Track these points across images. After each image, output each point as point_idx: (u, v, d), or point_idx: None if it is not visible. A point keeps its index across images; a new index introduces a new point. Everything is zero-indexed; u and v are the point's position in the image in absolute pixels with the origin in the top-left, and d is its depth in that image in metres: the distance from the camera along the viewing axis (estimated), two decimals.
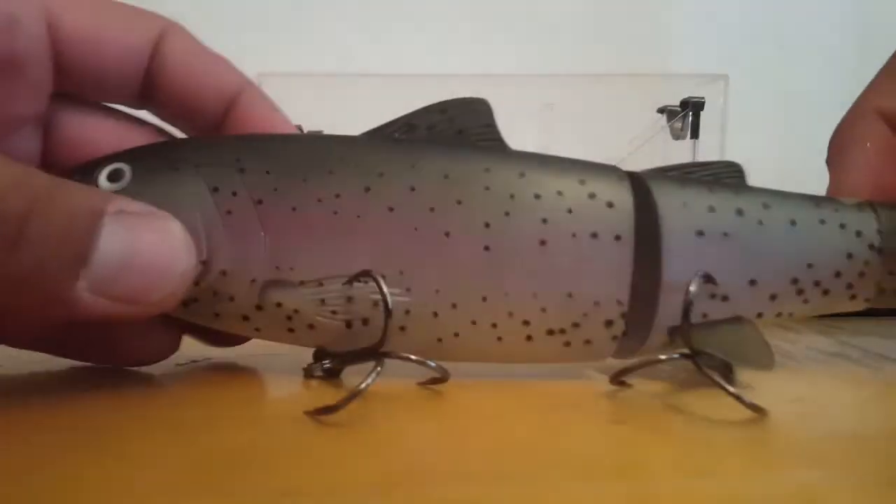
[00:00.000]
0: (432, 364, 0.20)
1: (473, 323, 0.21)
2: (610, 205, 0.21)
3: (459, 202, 0.20)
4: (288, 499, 0.13)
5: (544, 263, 0.21)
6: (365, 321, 0.21)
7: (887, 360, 0.26)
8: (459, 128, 0.21)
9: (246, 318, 0.21)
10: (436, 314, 0.21)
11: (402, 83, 0.49)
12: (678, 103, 0.40)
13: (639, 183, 0.21)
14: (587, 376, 0.23)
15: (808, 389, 0.22)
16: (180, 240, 0.18)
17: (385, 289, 0.19)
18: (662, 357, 0.21)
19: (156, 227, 0.17)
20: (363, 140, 0.22)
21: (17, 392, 0.21)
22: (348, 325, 0.21)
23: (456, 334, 0.21)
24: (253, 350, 0.24)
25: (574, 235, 0.21)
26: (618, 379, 0.20)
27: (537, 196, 0.21)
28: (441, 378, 0.20)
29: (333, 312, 0.21)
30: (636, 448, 0.17)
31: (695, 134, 0.43)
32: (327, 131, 0.48)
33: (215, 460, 0.15)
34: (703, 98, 0.39)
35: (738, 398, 0.18)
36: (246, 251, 0.20)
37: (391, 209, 0.20)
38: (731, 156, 0.43)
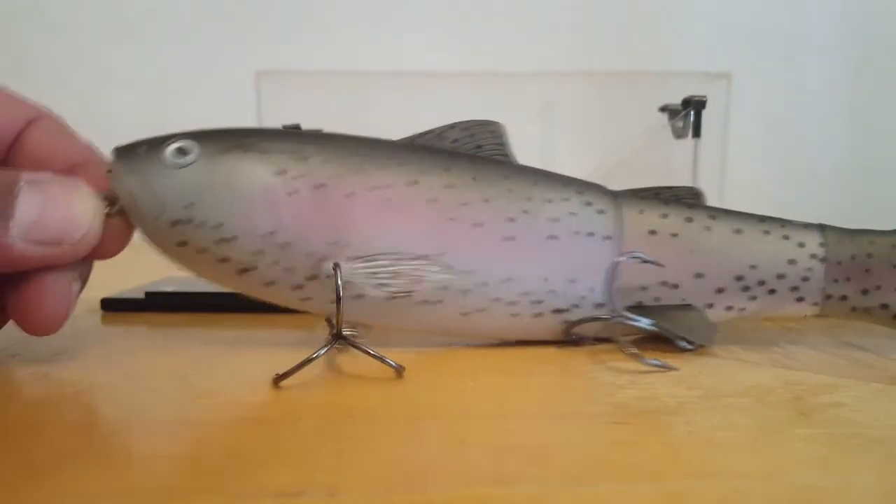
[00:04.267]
0: (392, 363, 0.22)
1: (496, 300, 0.25)
2: (601, 212, 0.26)
3: (486, 200, 0.25)
4: (287, 499, 0.13)
5: (554, 254, 0.25)
6: (407, 294, 0.24)
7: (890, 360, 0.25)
8: (478, 143, 0.26)
9: (299, 287, 0.24)
10: (467, 291, 0.25)
11: (400, 81, 0.49)
12: (680, 102, 0.40)
13: (614, 196, 0.27)
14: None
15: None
16: (85, 192, 0.22)
17: (339, 280, 0.23)
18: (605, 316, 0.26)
19: (63, 185, 0.22)
20: (405, 144, 0.26)
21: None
22: (391, 297, 0.24)
23: (481, 310, 0.25)
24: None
25: (577, 233, 0.25)
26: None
27: (549, 200, 0.25)
28: (398, 373, 0.22)
29: (381, 285, 0.24)
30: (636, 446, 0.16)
31: (697, 133, 0.43)
32: (326, 129, 0.48)
33: (215, 460, 0.15)
34: (705, 97, 0.39)
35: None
36: (306, 228, 0.23)
37: (432, 201, 0.24)
38: (733, 154, 0.42)
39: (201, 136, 0.24)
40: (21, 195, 0.21)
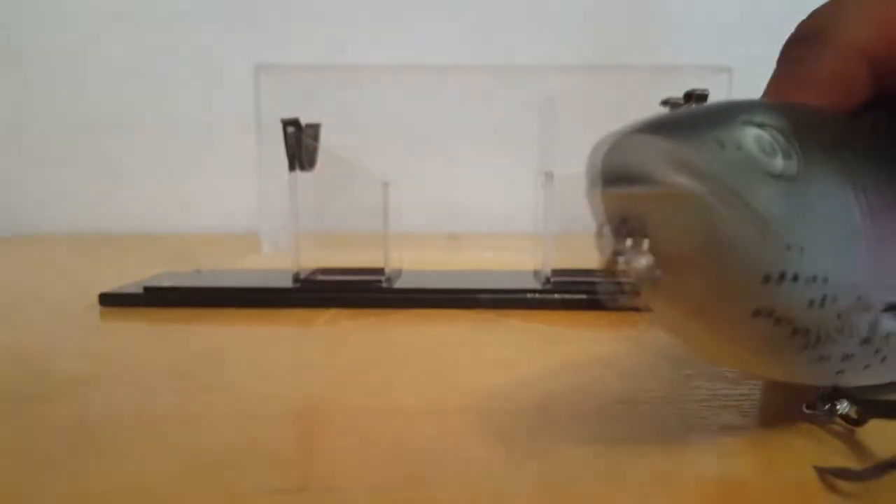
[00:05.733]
0: None
1: None
2: None
3: None
4: (287, 495, 0.13)
5: None
6: None
7: None
8: None
9: (847, 357, 0.16)
10: None
11: (400, 75, 0.49)
12: (682, 96, 0.40)
13: None
14: None
15: None
16: None
17: None
18: None
19: None
20: None
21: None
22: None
23: None
24: None
25: None
26: None
27: None
28: None
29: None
30: None
31: None
32: (325, 124, 0.47)
33: (214, 456, 0.15)
34: (706, 91, 0.38)
35: None
36: (880, 268, 0.16)
37: None
38: None
39: (777, 120, 0.15)
40: None
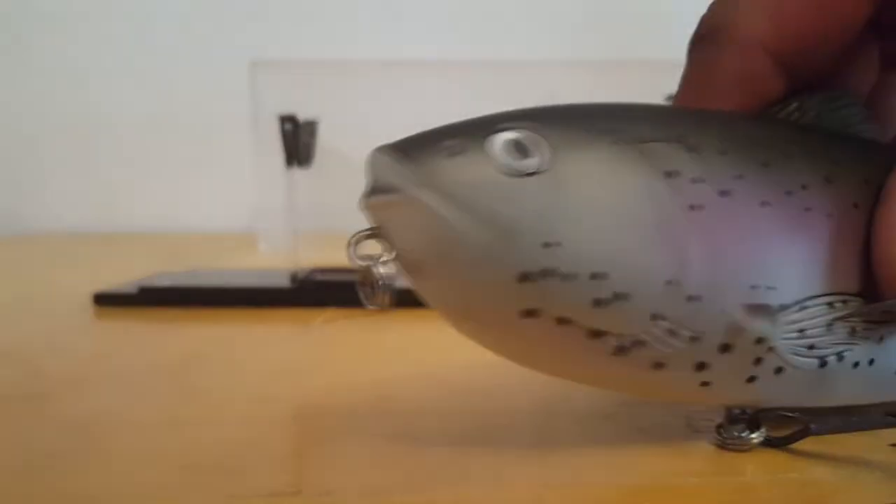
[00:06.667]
0: None
1: None
2: None
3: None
4: (283, 498, 0.13)
5: None
6: (840, 357, 0.16)
7: None
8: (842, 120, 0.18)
9: (702, 365, 0.15)
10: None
11: (400, 71, 0.49)
12: None
13: None
14: None
15: None
16: None
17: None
18: None
19: None
20: (791, 122, 0.17)
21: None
22: (822, 363, 0.15)
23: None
24: None
25: None
26: None
27: None
28: None
29: (811, 347, 0.15)
30: None
31: None
32: (323, 120, 0.47)
33: (209, 458, 0.15)
34: None
35: None
36: (719, 263, 0.14)
37: (856, 206, 0.16)
38: None
39: (538, 120, 0.15)
40: None
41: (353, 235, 0.15)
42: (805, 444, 0.15)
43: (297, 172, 0.45)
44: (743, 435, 0.16)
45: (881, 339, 0.16)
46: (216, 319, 0.30)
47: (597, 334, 0.14)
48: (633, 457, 0.16)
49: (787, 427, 0.16)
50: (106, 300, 0.33)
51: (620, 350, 0.14)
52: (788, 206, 0.15)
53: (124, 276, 0.36)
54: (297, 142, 0.41)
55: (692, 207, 0.14)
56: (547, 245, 0.14)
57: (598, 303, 0.14)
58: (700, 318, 0.14)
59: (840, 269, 0.16)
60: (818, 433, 0.16)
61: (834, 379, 0.16)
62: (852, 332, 0.15)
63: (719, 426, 0.16)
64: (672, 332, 0.14)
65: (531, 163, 0.14)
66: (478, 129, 0.14)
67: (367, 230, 0.15)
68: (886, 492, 0.14)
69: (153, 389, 0.21)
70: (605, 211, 0.14)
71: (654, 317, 0.14)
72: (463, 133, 0.14)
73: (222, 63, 0.62)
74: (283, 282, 0.34)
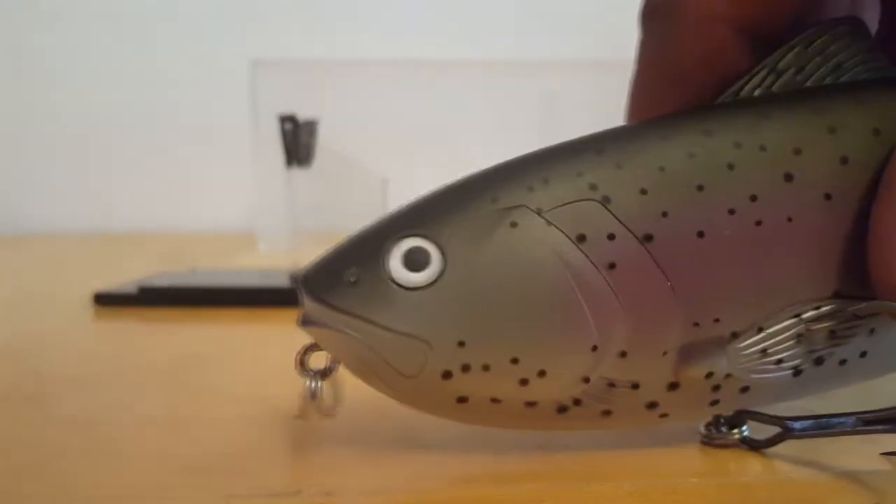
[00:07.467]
0: None
1: None
2: None
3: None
4: (284, 498, 0.13)
5: None
6: (818, 361, 0.15)
7: None
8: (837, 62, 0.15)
9: (653, 405, 0.15)
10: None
11: (398, 70, 0.48)
12: None
13: None
14: None
15: None
16: None
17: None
18: None
19: None
20: (729, 109, 0.15)
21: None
22: (796, 372, 0.15)
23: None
24: None
25: None
26: None
27: None
28: None
29: (779, 362, 0.15)
30: None
31: None
32: (322, 119, 0.47)
33: (209, 458, 0.15)
34: None
35: None
36: (650, 315, 0.14)
37: (828, 196, 0.14)
38: None
39: (423, 223, 0.14)
40: None
41: (301, 349, 0.16)
42: (804, 449, 0.15)
43: (297, 172, 0.45)
44: (723, 430, 0.16)
45: (872, 331, 0.15)
46: (216, 319, 0.30)
47: (532, 404, 0.14)
48: (634, 457, 0.16)
49: (768, 430, 0.16)
50: (106, 300, 0.33)
51: (562, 409, 0.15)
52: (733, 227, 0.14)
53: (124, 276, 0.36)
54: (297, 142, 0.41)
55: (611, 266, 0.14)
56: (461, 344, 0.14)
57: (524, 382, 0.14)
58: (637, 369, 0.14)
59: (806, 275, 0.15)
60: (797, 437, 0.15)
61: (817, 380, 0.15)
62: (831, 336, 0.15)
63: (708, 424, 0.16)
64: (611, 385, 0.14)
65: (427, 274, 0.14)
66: (372, 251, 0.14)
67: (312, 344, 0.16)
68: (879, 498, 0.14)
69: (153, 389, 0.21)
70: (513, 297, 0.14)
71: (586, 379, 0.14)
72: (360, 258, 0.14)
73: (222, 63, 0.62)
74: (283, 282, 0.34)
